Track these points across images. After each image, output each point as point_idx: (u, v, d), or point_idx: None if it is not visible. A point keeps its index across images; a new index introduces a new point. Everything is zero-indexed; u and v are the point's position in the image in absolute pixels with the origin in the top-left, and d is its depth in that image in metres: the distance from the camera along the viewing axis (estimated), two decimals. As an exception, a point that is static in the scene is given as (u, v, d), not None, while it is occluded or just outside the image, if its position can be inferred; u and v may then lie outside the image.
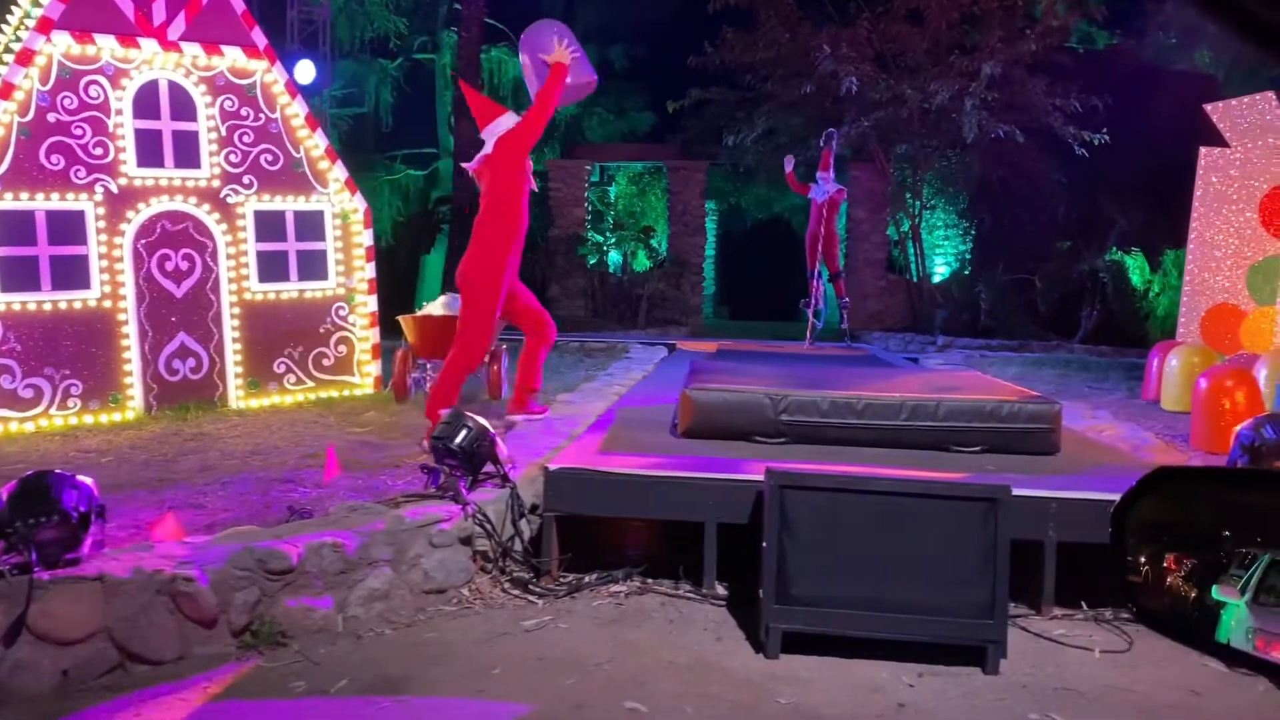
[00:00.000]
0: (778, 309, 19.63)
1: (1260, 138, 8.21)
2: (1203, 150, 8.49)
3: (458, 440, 4.43)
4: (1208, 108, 8.50)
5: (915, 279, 16.79)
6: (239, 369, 7.45)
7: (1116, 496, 3.77)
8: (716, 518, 4.28)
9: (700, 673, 3.61)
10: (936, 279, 17.55)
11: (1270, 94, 8.28)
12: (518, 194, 6.08)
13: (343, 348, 7.90)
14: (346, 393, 7.88)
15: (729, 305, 23.53)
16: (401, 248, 24.28)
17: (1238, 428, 4.67)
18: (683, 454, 4.80)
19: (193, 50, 7.16)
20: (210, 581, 3.59)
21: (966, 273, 16.90)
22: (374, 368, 8.02)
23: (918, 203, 16.54)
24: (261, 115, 7.52)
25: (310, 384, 7.78)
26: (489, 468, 4.58)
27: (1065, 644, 3.95)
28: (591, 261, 18.09)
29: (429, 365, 8.08)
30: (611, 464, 4.47)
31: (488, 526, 4.36)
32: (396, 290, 17.67)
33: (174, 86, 7.13)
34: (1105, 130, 14.19)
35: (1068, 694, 3.53)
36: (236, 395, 7.45)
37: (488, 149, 6.15)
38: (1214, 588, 1.02)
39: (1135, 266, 14.94)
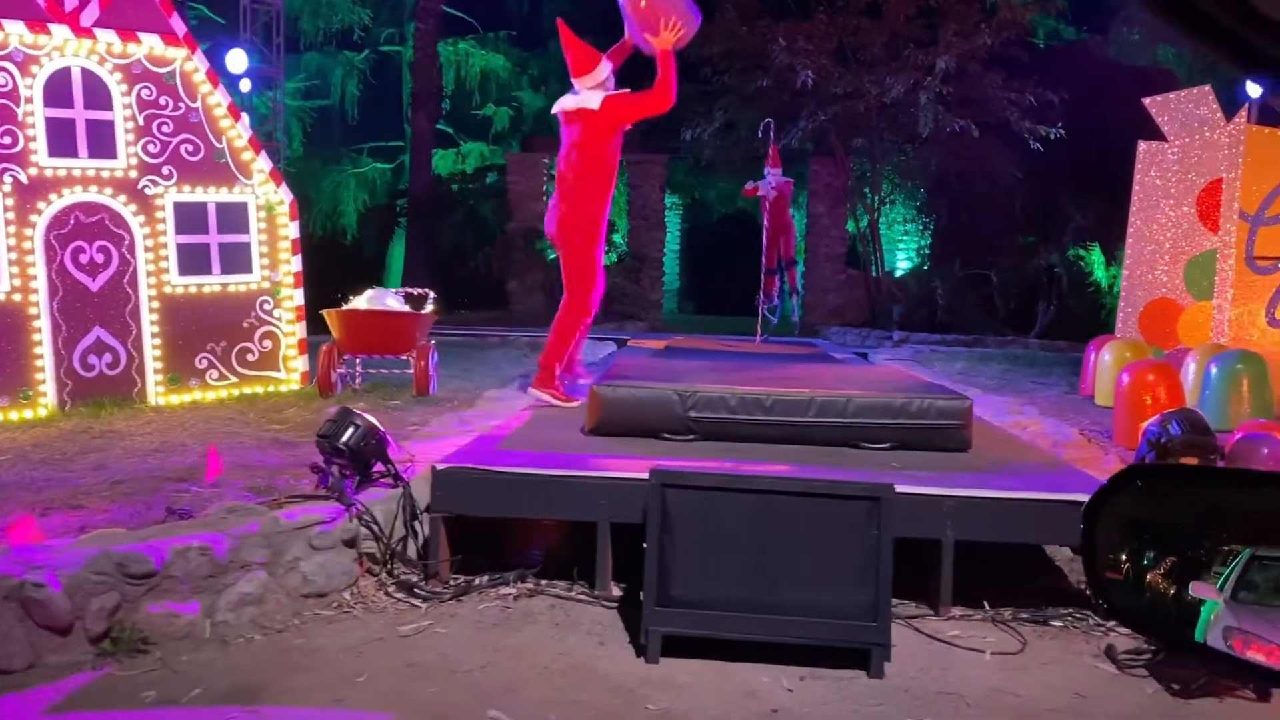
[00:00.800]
0: (743, 303, 19.62)
1: (1197, 132, 8.16)
2: (1141, 144, 8.44)
3: (344, 439, 4.30)
4: (1146, 102, 8.45)
5: (874, 274, 16.76)
6: (158, 364, 7.27)
7: (1018, 495, 3.66)
8: (609, 517, 4.17)
9: (574, 678, 3.50)
10: (898, 273, 17.54)
11: (1208, 88, 8.24)
12: (613, 154, 6.24)
13: (268, 343, 7.73)
14: (272, 389, 7.71)
15: (694, 300, 23.44)
16: (367, 241, 24.04)
17: (1145, 424, 4.61)
18: (585, 452, 4.69)
19: (107, 37, 6.96)
20: (64, 587, 3.44)
21: (926, 268, 16.89)
22: (301, 363, 7.85)
23: (876, 197, 16.49)
24: (181, 104, 7.34)
25: (234, 380, 7.60)
26: (380, 467, 4.45)
27: (957, 645, 3.86)
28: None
29: (358, 361, 7.94)
30: (504, 462, 4.35)
31: (374, 528, 4.23)
32: (363, 285, 17.52)
33: (87, 74, 6.94)
34: (1061, 125, 14.18)
35: (949, 698, 3.44)
36: (156, 391, 7.27)
37: (590, 102, 6.18)
38: (1190, 585, 0.98)
39: (1099, 262, 14.96)
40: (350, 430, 4.31)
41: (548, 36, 25.18)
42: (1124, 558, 1.04)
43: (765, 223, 12.28)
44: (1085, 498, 4.11)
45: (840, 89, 14.73)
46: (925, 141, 14.91)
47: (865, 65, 15.02)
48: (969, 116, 14.18)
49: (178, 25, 7.28)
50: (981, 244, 15.35)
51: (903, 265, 17.87)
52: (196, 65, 7.38)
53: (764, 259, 12.82)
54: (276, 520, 4.00)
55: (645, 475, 4.04)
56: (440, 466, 4.23)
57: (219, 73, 13.17)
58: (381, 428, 4.46)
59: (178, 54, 7.29)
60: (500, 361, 10.23)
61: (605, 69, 6.26)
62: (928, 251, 17.22)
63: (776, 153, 12.57)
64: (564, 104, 6.35)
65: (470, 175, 20.91)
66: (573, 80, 6.35)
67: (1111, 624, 4.07)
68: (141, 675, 3.41)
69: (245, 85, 16.31)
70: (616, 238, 18.66)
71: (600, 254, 6.53)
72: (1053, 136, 14.11)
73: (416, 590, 4.14)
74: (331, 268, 17.21)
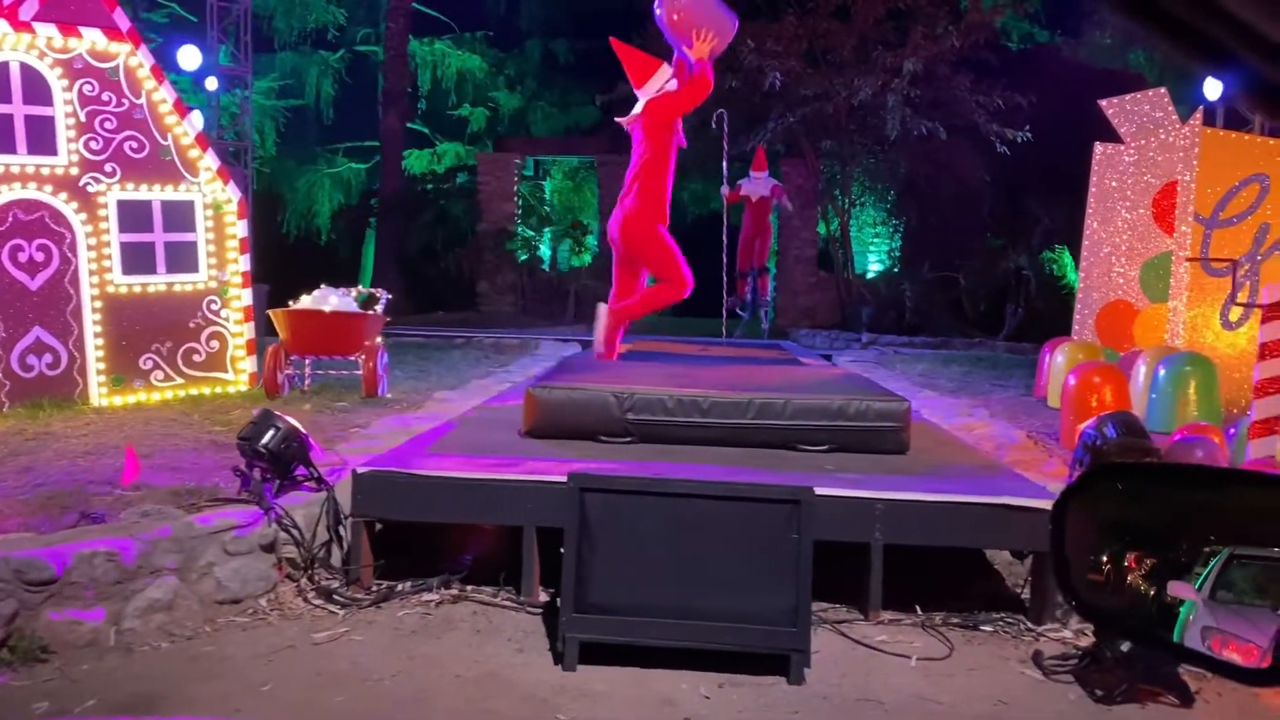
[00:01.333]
0: (718, 305, 19.53)
1: (1153, 134, 8.16)
2: (1097, 147, 8.43)
3: (264, 441, 4.20)
4: (1103, 104, 8.43)
5: (845, 276, 16.74)
6: (101, 365, 7.14)
7: (948, 498, 3.58)
8: (536, 521, 4.09)
9: (488, 687, 3.42)
10: (870, 275, 17.52)
11: (1163, 90, 8.23)
12: (669, 150, 6.73)
13: (215, 343, 7.61)
14: (219, 390, 7.59)
15: (669, 301, 23.35)
16: (342, 241, 23.85)
17: (1083, 426, 4.57)
18: (518, 455, 4.61)
19: (47, 31, 6.83)
20: (-42, 594, 3.34)
21: (896, 270, 16.89)
22: (249, 364, 7.73)
23: (846, 200, 16.47)
24: (125, 100, 7.21)
25: (180, 381, 7.47)
26: (303, 470, 4.36)
27: (883, 651, 3.80)
28: (523, 257, 17.83)
29: (308, 362, 7.83)
30: (431, 465, 4.27)
31: (294, 533, 4.14)
32: (336, 285, 17.37)
33: (26, 69, 6.80)
34: (1028, 128, 14.19)
35: (868, 705, 3.38)
36: (99, 393, 7.13)
37: (637, 109, 6.73)
38: (1168, 585, 0.96)
39: (1070, 265, 14.98)
40: (271, 433, 4.21)
41: (524, 37, 25.10)
42: (1104, 559, 1.02)
43: (746, 224, 12.21)
44: (1019, 501, 4.07)
45: (810, 91, 14.69)
46: (894, 144, 14.90)
47: (834, 67, 14.99)
48: (937, 119, 14.17)
49: (121, 20, 7.16)
50: (950, 246, 15.35)
51: (875, 268, 17.85)
52: (141, 60, 7.25)
53: (738, 260, 12.71)
54: (190, 524, 3.90)
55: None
56: (361, 470, 4.14)
57: (170, 69, 13.00)
58: (303, 430, 4.36)
59: (121, 49, 7.16)
60: (460, 362, 10.14)
61: (664, 73, 6.72)
62: (899, 254, 17.22)
63: (763, 155, 12.58)
64: (625, 119, 6.90)
65: (441, 175, 20.78)
66: (635, 93, 6.82)
67: (1043, 629, 4.02)
68: (38, 685, 3.31)
69: (212, 83, 16.17)
70: (590, 239, 18.58)
71: (673, 244, 7.06)
72: (1020, 140, 14.12)
73: (336, 596, 4.04)
74: (306, 267, 17.07)
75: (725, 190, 12.32)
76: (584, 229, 18.50)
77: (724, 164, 11.77)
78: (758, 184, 13.26)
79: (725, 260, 12.06)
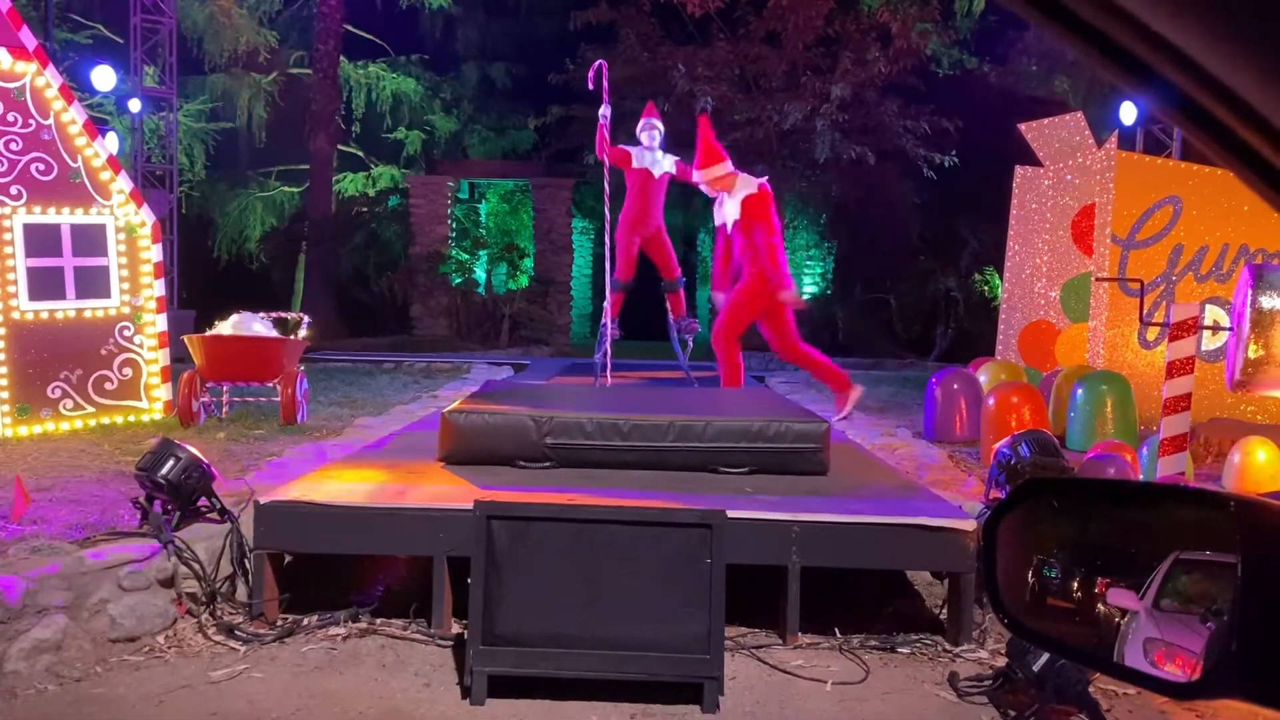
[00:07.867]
0: (660, 328, 19.50)
1: (1070, 157, 8.34)
2: (1018, 170, 8.60)
3: (163, 471, 4.05)
4: (1022, 127, 8.61)
5: (779, 298, 16.86)
6: (5, 395, 6.87)
7: (864, 520, 3.54)
8: (445, 551, 3.98)
9: (389, 724, 3.30)
10: (804, 298, 17.69)
11: (1079, 114, 8.43)
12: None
13: (128, 370, 7.38)
14: (132, 419, 7.35)
15: (609, 324, 23.29)
16: (274, 265, 23.44)
17: (997, 445, 4.59)
18: (433, 483, 4.50)
19: (-52, 50, 6.62)
20: None
21: (829, 292, 17.07)
22: (164, 391, 7.50)
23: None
24: (32, 121, 6.99)
25: (90, 410, 7.22)
26: (205, 501, 4.21)
27: (799, 675, 3.76)
28: (457, 280, 17.68)
29: (225, 389, 7.63)
30: (336, 495, 4.14)
31: (195, 567, 3.98)
32: (270, 309, 16.97)
33: (-75, 88, 6.58)
34: (955, 152, 14.48)
35: (781, 733, 3.32)
36: (2, 423, 6.87)
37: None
38: (1108, 593, 0.89)
39: (1000, 285, 15.27)
40: (170, 463, 4.06)
41: (461, 61, 25.02)
42: (1038, 576, 0.97)
43: (630, 206, 8.29)
44: (934, 522, 4.07)
45: (741, 115, 14.83)
46: (824, 168, 15.09)
47: (765, 93, 15.16)
48: (866, 143, 14.39)
49: (27, 38, 6.95)
50: (882, 269, 15.56)
51: (809, 290, 18.03)
52: (49, 80, 7.05)
53: (617, 266, 8.41)
54: (81, 559, 3.73)
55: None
56: (263, 500, 4.00)
57: (88, 90, 12.69)
58: (206, 460, 4.22)
59: (27, 68, 6.95)
60: (387, 388, 9.97)
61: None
62: (831, 276, 17.42)
63: (653, 105, 9.14)
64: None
65: (372, 198, 20.57)
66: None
67: (959, 649, 4.01)
68: (-92, 735, 3.13)
69: (135, 105, 15.84)
70: (526, 262, 18.49)
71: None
72: (947, 164, 14.40)
73: (238, 632, 3.89)
74: (238, 292, 16.76)
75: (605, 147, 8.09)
76: (520, 252, 18.40)
77: (603, 106, 7.87)
78: (655, 155, 8.36)
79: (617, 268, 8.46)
